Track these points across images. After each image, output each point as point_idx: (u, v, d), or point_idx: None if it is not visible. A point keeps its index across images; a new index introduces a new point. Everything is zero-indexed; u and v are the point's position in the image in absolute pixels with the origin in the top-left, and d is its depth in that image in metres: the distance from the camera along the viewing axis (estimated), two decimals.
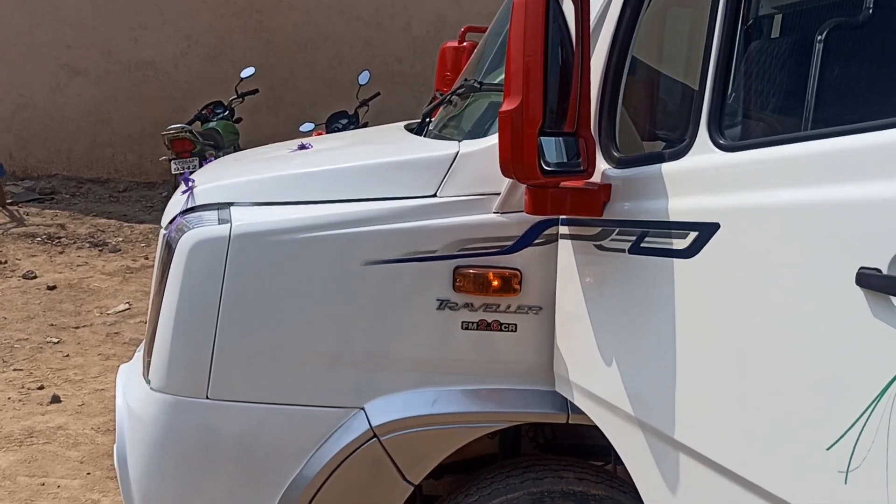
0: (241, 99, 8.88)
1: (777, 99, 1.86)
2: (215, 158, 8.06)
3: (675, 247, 1.77)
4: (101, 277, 7.10)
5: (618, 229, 1.97)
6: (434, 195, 2.28)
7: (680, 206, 1.78)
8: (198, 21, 9.93)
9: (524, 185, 2.16)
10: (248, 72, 8.76)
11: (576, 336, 2.15)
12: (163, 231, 2.54)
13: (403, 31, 10.04)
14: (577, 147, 1.96)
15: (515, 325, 2.27)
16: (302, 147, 2.77)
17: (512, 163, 1.86)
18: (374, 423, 2.26)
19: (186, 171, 7.71)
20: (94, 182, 10.09)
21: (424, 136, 2.86)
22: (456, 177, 2.27)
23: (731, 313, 1.64)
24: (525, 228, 2.23)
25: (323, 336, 2.27)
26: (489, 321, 2.26)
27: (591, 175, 1.99)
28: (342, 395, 2.29)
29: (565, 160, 1.95)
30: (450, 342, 2.28)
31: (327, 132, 8.48)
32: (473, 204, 2.26)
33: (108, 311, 6.34)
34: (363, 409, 2.29)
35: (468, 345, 2.28)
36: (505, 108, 1.85)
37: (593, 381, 2.08)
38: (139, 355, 2.78)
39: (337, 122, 8.60)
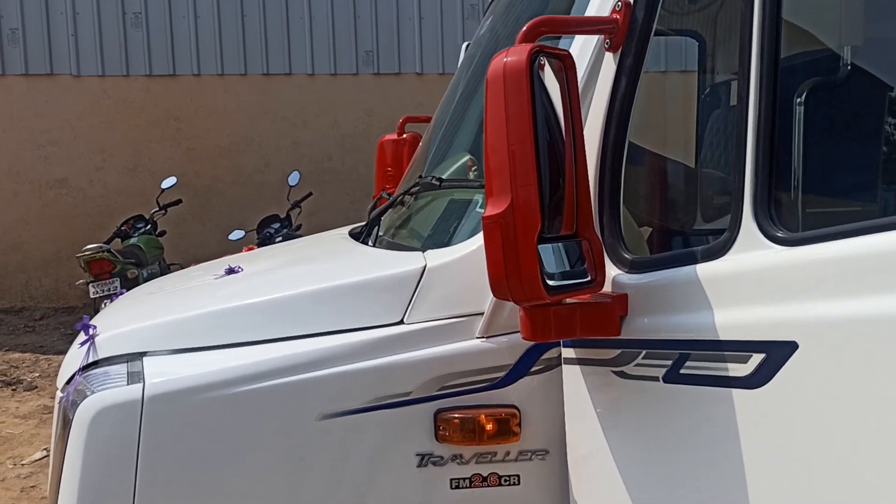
0: (163, 211, 8.35)
1: (850, 173, 1.48)
2: (138, 278, 7.47)
3: (731, 373, 1.35)
4: (14, 422, 6.35)
5: (645, 351, 1.55)
6: (400, 322, 1.84)
7: (732, 320, 1.36)
8: (112, 133, 9.43)
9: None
10: (169, 182, 8.26)
11: (600, 485, 1.69)
12: (59, 394, 2.02)
13: (331, 128, 9.71)
14: (581, 252, 1.55)
15: (518, 476, 1.80)
16: (230, 271, 2.31)
17: (507, 280, 1.43)
18: None
19: (106, 292, 7.08)
20: (7, 312, 9.31)
21: (374, 245, 2.43)
22: (426, 297, 1.84)
23: (825, 461, 1.21)
24: (518, 354, 1.79)
25: None
26: (484, 475, 1.79)
27: (601, 286, 1.58)
28: None
29: (568, 269, 1.53)
30: None
31: (259, 238, 8.00)
32: (450, 329, 1.82)
33: (23, 462, 5.60)
34: None
35: None
36: (490, 212, 1.44)
37: None
38: None
39: (269, 226, 8.12)
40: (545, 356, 1.79)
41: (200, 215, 9.40)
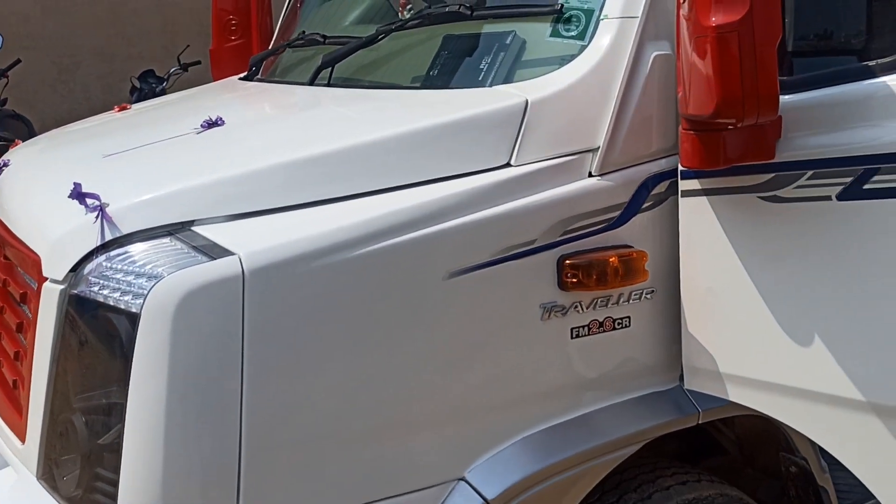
0: None
1: None
2: None
3: None
4: None
5: (811, 172, 1.54)
6: (507, 165, 1.64)
7: None
8: None
9: (624, 133, 1.65)
10: None
11: (726, 319, 1.69)
12: (55, 286, 1.51)
13: None
14: None
15: (628, 317, 1.73)
16: (211, 124, 1.86)
17: (744, 99, 1.33)
18: (488, 496, 1.60)
19: None
20: None
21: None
22: (533, 135, 1.65)
23: None
24: (633, 190, 1.69)
25: (399, 394, 1.53)
26: (601, 320, 1.70)
27: None
28: (432, 467, 1.59)
29: None
30: (558, 360, 1.68)
31: None
32: (564, 168, 1.66)
33: None
34: (464, 479, 1.61)
35: (579, 357, 1.70)
36: (722, 20, 1.30)
37: (775, 368, 1.65)
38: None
39: None
40: (654, 191, 1.72)
41: None
